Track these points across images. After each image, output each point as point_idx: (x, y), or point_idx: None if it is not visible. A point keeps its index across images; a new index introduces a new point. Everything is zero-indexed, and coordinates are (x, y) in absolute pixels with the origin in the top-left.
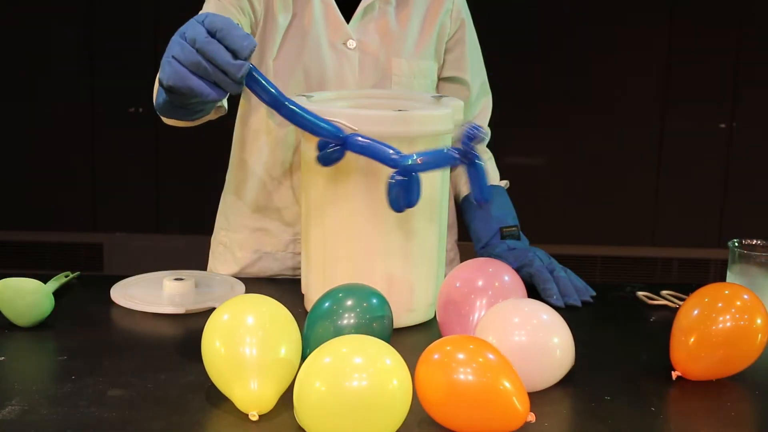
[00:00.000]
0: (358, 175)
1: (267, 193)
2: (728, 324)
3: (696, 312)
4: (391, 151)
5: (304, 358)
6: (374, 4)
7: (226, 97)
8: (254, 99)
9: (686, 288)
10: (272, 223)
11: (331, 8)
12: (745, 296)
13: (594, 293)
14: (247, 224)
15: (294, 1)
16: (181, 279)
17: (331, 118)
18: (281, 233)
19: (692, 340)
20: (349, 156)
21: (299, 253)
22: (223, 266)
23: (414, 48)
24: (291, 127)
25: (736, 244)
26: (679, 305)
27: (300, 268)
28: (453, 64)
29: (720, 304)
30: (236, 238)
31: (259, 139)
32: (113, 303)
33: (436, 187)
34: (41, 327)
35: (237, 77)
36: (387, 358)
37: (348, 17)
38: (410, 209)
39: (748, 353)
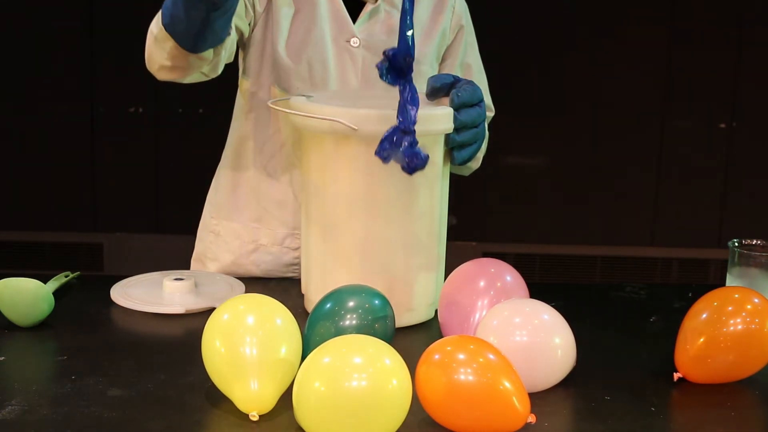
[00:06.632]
0: (358, 175)
1: (266, 188)
2: (739, 327)
3: (705, 315)
4: None
5: (304, 358)
6: (380, 7)
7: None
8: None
9: (686, 288)
10: (269, 217)
11: (336, 5)
12: (756, 300)
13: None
14: (244, 215)
15: None
16: (181, 279)
17: (331, 118)
18: (278, 227)
19: (700, 341)
20: (350, 156)
21: (294, 249)
22: (214, 256)
23: (415, 52)
24: (290, 125)
25: (736, 244)
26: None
27: (295, 266)
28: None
29: (730, 308)
30: (231, 227)
31: (258, 136)
32: (113, 303)
33: (436, 187)
34: (41, 327)
35: None
36: (386, 358)
37: (355, 17)
38: (411, 210)
39: (758, 358)
